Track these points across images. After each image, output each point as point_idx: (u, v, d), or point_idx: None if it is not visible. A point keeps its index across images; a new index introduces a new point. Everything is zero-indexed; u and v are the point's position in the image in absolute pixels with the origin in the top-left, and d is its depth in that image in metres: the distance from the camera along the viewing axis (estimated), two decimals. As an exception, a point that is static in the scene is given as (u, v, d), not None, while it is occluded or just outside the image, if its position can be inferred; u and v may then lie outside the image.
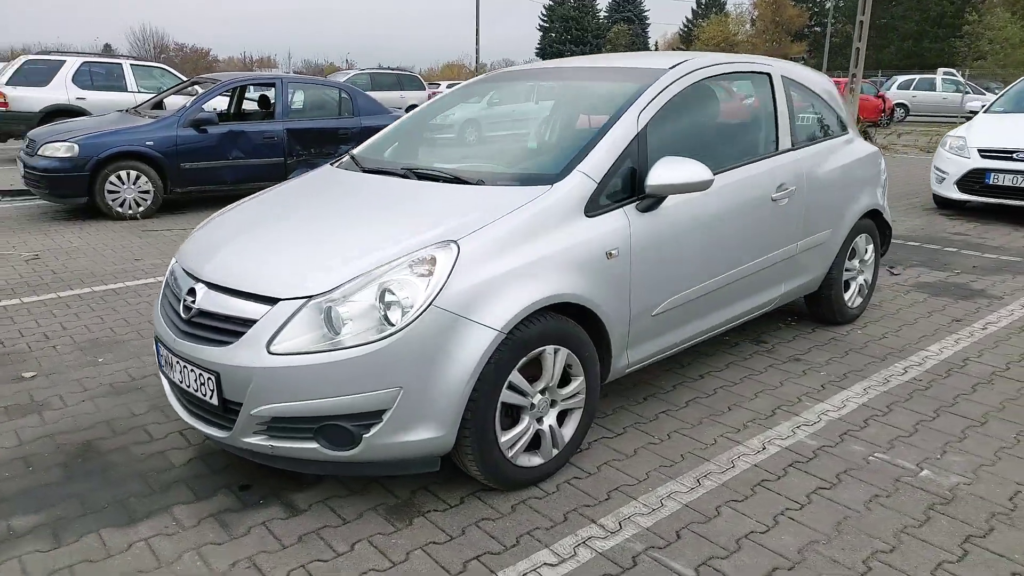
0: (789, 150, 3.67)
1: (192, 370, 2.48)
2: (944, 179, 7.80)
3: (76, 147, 7.20)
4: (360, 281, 2.32)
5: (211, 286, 2.54)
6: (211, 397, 2.42)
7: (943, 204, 8.26)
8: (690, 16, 62.82)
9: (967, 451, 2.93)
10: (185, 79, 11.60)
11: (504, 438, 2.50)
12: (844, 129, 4.25)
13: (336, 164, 3.55)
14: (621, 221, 2.79)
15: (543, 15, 56.82)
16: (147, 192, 7.62)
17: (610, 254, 2.72)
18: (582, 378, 2.72)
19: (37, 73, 11.90)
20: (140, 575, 2.19)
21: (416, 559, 2.26)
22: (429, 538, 2.37)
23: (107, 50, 56.86)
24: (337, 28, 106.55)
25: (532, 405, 2.58)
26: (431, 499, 2.59)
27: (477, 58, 37.19)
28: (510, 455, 2.54)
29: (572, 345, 2.64)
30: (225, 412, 2.41)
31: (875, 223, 4.43)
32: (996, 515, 2.50)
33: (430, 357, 2.29)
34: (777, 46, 50.53)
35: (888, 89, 26.24)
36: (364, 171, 3.27)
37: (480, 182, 2.85)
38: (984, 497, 2.61)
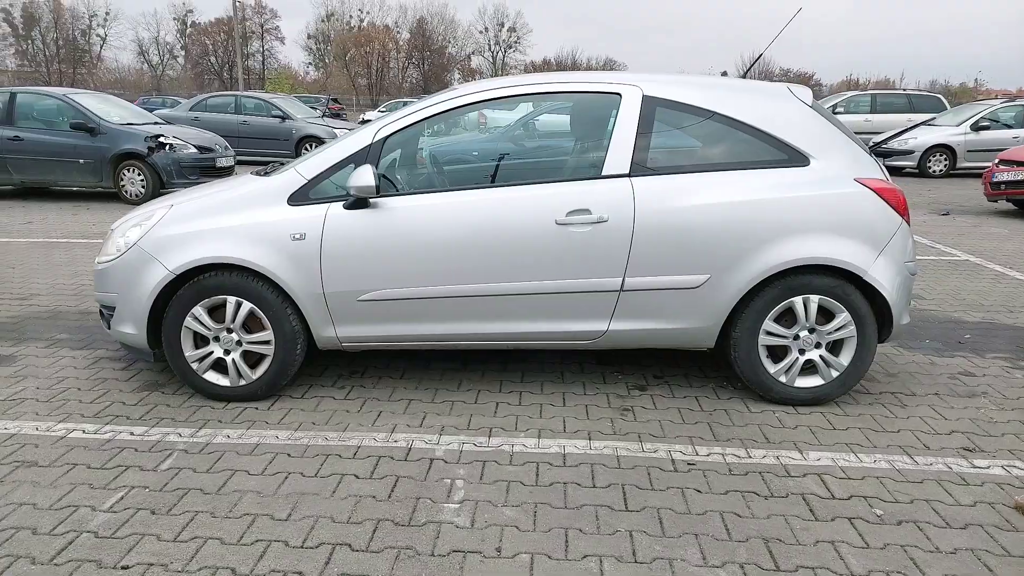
0: (622, 176, 3.34)
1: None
2: None
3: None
4: (128, 223, 3.61)
5: None
6: (101, 290, 4.03)
7: None
8: None
9: (522, 504, 2.58)
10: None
11: (188, 353, 3.46)
12: (797, 160, 3.38)
13: None
14: (318, 213, 3.35)
15: None
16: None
17: (295, 237, 3.33)
18: (270, 331, 3.43)
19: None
20: (41, 368, 3.94)
21: (105, 413, 3.45)
22: (119, 401, 3.52)
23: (723, 76, 63.78)
24: (976, 45, 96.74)
25: (217, 338, 3.46)
26: (169, 389, 3.68)
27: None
28: (196, 368, 3.48)
29: (255, 301, 3.39)
30: (105, 299, 3.99)
31: (854, 287, 3.40)
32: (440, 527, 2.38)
33: (132, 278, 3.43)
34: None
35: None
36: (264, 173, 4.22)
37: (259, 173, 3.77)
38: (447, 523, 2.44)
